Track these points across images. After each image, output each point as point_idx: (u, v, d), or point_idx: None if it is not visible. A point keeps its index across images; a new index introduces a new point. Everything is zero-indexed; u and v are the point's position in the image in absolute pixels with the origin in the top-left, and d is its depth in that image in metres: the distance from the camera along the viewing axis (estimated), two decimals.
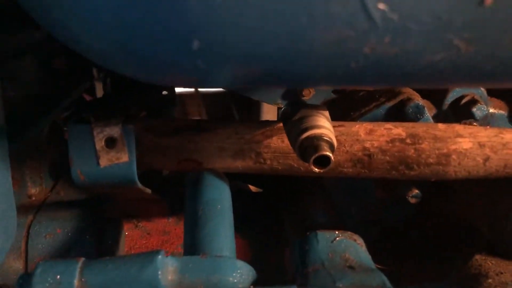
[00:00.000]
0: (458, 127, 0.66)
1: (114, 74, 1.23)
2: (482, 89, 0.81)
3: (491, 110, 0.82)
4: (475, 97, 0.79)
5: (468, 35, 0.31)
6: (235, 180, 1.17)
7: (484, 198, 0.70)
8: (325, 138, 0.60)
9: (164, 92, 1.20)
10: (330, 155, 0.58)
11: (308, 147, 0.59)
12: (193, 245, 0.57)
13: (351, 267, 0.52)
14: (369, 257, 0.56)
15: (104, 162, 0.54)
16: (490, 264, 0.77)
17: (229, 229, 0.59)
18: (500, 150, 0.63)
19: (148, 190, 0.67)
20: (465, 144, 0.64)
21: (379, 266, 0.66)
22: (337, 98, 0.88)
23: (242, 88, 0.72)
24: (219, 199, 0.62)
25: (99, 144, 0.53)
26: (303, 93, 0.73)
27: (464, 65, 0.34)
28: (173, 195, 0.90)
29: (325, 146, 0.59)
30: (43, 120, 0.73)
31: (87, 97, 1.23)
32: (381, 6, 0.28)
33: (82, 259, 0.47)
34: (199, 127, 0.76)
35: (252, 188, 1.20)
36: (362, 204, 0.82)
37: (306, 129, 0.61)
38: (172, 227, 0.89)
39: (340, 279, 0.48)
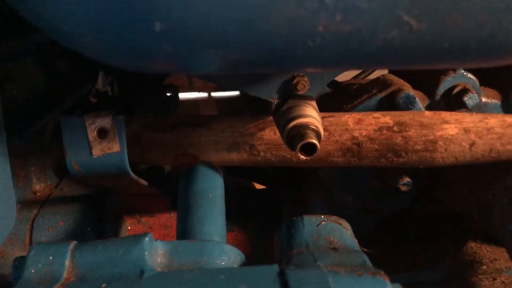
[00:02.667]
0: (444, 114, 0.67)
1: (120, 78, 1.26)
2: (474, 78, 0.82)
3: (484, 100, 0.83)
4: (467, 86, 0.80)
5: (416, 12, 0.33)
6: (240, 177, 1.20)
7: (472, 185, 0.71)
8: (311, 126, 0.62)
9: (168, 94, 1.23)
10: (316, 142, 0.59)
11: (295, 136, 0.61)
12: (184, 231, 0.59)
13: (334, 249, 0.53)
14: (354, 240, 0.57)
15: (96, 152, 0.57)
16: (485, 251, 0.78)
17: (220, 216, 0.61)
18: (485, 135, 0.64)
19: (143, 182, 0.69)
20: (451, 130, 0.65)
21: (365, 250, 0.67)
22: (332, 92, 0.90)
23: (236, 84, 0.74)
24: (211, 188, 0.64)
25: (92, 134, 0.56)
26: (298, 87, 0.75)
27: (419, 42, 0.36)
28: (174, 190, 0.93)
29: (311, 134, 0.61)
30: (45, 118, 0.76)
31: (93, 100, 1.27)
32: None
33: (74, 242, 0.49)
34: (195, 122, 0.78)
35: (256, 185, 1.22)
36: (358, 194, 0.84)
37: (293, 119, 0.63)
38: (174, 222, 0.91)
39: (321, 259, 0.50)
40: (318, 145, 0.59)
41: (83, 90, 0.94)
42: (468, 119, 0.66)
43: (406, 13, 0.33)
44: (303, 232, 0.56)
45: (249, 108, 2.02)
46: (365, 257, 0.51)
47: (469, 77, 0.81)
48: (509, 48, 0.39)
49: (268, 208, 0.98)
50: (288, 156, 0.74)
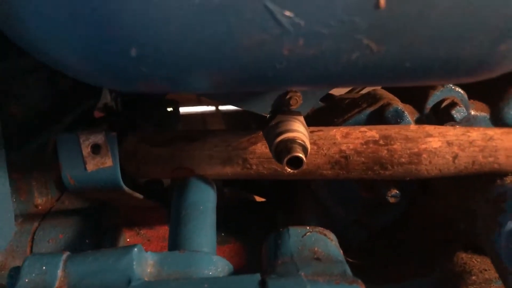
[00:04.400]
0: (429, 128, 0.69)
1: (124, 95, 1.31)
2: (463, 92, 0.84)
3: (473, 113, 0.85)
4: (455, 100, 0.82)
5: (374, 36, 0.35)
6: (240, 190, 1.22)
7: (459, 197, 0.73)
8: (298, 141, 0.64)
9: (169, 109, 1.26)
10: (302, 156, 0.62)
11: (283, 150, 0.64)
12: (175, 243, 0.61)
13: (317, 259, 0.55)
14: (339, 250, 0.59)
15: (90, 167, 0.60)
16: (475, 262, 0.79)
17: (210, 228, 0.64)
18: (467, 148, 0.66)
19: (139, 195, 0.72)
20: (435, 143, 0.67)
21: (350, 260, 0.69)
22: (324, 107, 0.92)
23: (232, 99, 0.77)
24: (202, 201, 0.67)
25: (86, 150, 0.59)
26: (291, 102, 0.77)
27: (381, 63, 0.38)
28: None
29: (297, 148, 0.63)
30: (45, 135, 0.79)
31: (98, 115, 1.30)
32: (287, 13, 0.32)
33: (67, 253, 0.52)
34: (190, 137, 0.81)
35: (256, 198, 1.24)
36: (349, 207, 0.86)
37: (281, 133, 0.65)
38: None
39: (303, 269, 0.52)
40: (305, 159, 0.62)
41: (83, 107, 0.98)
42: (451, 133, 0.67)
43: (365, 37, 0.35)
44: (289, 243, 0.58)
45: (255, 122, 2.05)
46: (346, 267, 0.53)
47: (458, 91, 0.83)
48: (471, 66, 0.41)
49: (264, 220, 1.00)
50: (279, 169, 0.76)
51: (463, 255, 0.80)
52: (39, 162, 0.85)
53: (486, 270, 0.77)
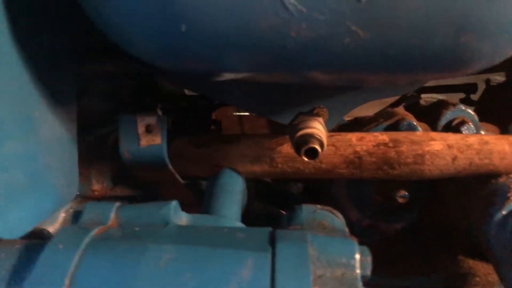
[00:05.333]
0: (432, 134, 0.79)
1: (175, 115, 1.47)
2: (473, 113, 0.93)
3: (483, 133, 0.93)
4: (465, 119, 0.91)
5: (359, 23, 0.47)
6: (269, 204, 1.33)
7: (458, 197, 0.81)
8: (315, 135, 0.75)
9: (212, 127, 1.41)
10: (317, 147, 0.73)
11: (302, 142, 0.75)
12: (206, 213, 0.73)
13: (323, 228, 0.65)
14: (345, 226, 0.68)
15: (143, 142, 0.73)
16: (481, 267, 0.85)
17: (236, 203, 0.75)
18: (465, 150, 0.75)
19: (180, 179, 0.85)
20: (437, 146, 0.76)
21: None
22: (348, 123, 1.03)
23: (263, 110, 0.89)
24: (231, 184, 0.78)
25: (141, 129, 0.73)
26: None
27: (368, 49, 0.49)
28: None
29: (315, 141, 0.74)
30: (107, 129, 0.94)
31: None
32: (293, 1, 0.45)
33: (119, 203, 0.64)
34: (227, 139, 0.94)
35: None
36: (365, 211, 0.95)
37: (301, 129, 0.77)
38: None
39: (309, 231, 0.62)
40: (320, 151, 0.73)
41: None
42: (452, 137, 0.77)
43: (352, 24, 0.47)
44: (300, 216, 0.68)
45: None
46: (347, 233, 0.63)
47: (468, 112, 0.93)
48: (444, 58, 0.52)
49: None
50: (301, 167, 0.87)
51: (470, 261, 0.87)
52: (99, 153, 0.99)
53: (490, 273, 0.83)
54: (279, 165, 0.89)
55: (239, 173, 0.86)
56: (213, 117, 1.49)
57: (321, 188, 1.03)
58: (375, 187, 0.91)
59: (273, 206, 1.33)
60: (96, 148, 0.98)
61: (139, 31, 0.51)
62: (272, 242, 0.54)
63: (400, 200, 0.83)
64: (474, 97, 1.24)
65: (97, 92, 0.97)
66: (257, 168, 0.91)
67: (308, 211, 0.70)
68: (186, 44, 0.49)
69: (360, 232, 0.96)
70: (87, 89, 0.92)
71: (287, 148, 0.88)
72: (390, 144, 0.79)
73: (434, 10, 0.46)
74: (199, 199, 1.01)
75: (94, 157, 0.99)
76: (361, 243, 0.96)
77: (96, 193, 1.00)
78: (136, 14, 0.49)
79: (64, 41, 0.73)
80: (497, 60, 0.55)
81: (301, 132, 0.76)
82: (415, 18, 0.47)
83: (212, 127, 1.39)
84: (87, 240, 0.54)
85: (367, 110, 1.14)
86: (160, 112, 0.72)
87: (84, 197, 0.96)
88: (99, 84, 0.97)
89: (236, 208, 0.75)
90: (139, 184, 1.01)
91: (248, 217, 1.10)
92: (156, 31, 0.50)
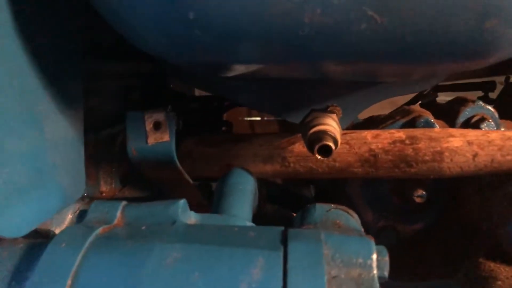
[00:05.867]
0: (451, 130, 0.75)
1: (184, 117, 1.45)
2: (493, 110, 0.90)
3: (503, 130, 0.90)
4: (484, 115, 0.88)
5: (376, 8, 0.44)
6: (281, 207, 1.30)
7: (480, 197, 0.77)
8: (329, 132, 0.73)
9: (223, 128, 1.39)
10: (331, 145, 0.70)
11: (315, 139, 0.72)
12: (215, 212, 0.70)
13: (337, 227, 0.62)
14: (360, 226, 0.66)
15: (151, 140, 0.71)
16: (503, 270, 0.82)
17: (247, 204, 0.72)
18: (486, 147, 0.72)
19: (189, 178, 0.82)
20: (456, 142, 0.73)
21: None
22: (362, 121, 1.00)
23: (277, 111, 0.87)
24: (242, 183, 0.76)
25: (149, 126, 0.70)
26: None
27: (386, 36, 0.47)
28: None
29: (328, 138, 0.71)
30: (115, 129, 0.92)
31: None
32: None
33: (126, 202, 0.62)
34: (238, 139, 0.92)
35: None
36: (382, 212, 0.91)
37: (314, 126, 0.74)
38: None
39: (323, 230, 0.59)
40: (334, 148, 0.70)
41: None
42: (472, 133, 0.73)
43: (369, 8, 0.45)
44: (314, 215, 0.66)
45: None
46: (363, 232, 0.60)
47: (488, 108, 0.89)
48: (465, 45, 0.49)
49: None
50: (314, 166, 0.85)
51: (491, 263, 0.83)
52: (108, 154, 0.98)
53: None
54: (291, 165, 0.86)
55: (250, 172, 0.83)
56: (224, 118, 1.47)
57: (335, 188, 1.00)
58: (391, 186, 0.88)
59: (285, 209, 1.31)
60: (105, 149, 0.96)
61: (146, 20, 0.49)
62: (284, 241, 0.51)
63: (418, 200, 0.80)
64: (493, 95, 1.21)
65: (106, 92, 0.95)
66: (268, 168, 0.88)
67: (322, 210, 0.67)
68: (195, 33, 0.47)
69: (376, 234, 0.93)
70: (95, 88, 0.91)
71: (299, 147, 0.86)
72: (407, 141, 0.76)
73: None
74: (208, 200, 0.99)
75: (102, 158, 0.97)
76: (378, 243, 0.93)
77: (104, 194, 0.98)
78: (143, 3, 0.47)
79: (71, 39, 0.71)
80: None
81: (314, 129, 0.73)
82: (435, 2, 0.44)
83: (224, 128, 1.37)
84: (91, 239, 0.51)
85: (378, 112, 1.12)
86: (169, 109, 0.70)
87: (92, 198, 0.95)
88: (108, 83, 0.95)
89: (247, 207, 0.72)
90: (148, 185, 0.99)
91: (260, 219, 1.07)
92: (163, 20, 0.47)
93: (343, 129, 0.89)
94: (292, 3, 0.44)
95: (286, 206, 1.28)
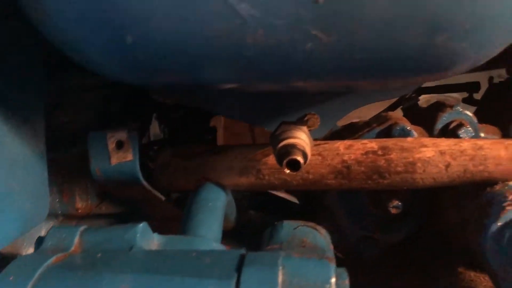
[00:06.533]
0: (424, 139, 0.73)
1: (170, 125, 1.44)
2: (471, 115, 0.87)
3: (483, 135, 0.87)
4: (462, 121, 0.86)
5: (320, 27, 0.42)
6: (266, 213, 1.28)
7: (456, 208, 0.75)
8: (298, 146, 0.71)
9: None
10: (299, 159, 0.68)
11: (284, 153, 0.71)
12: (183, 232, 0.69)
13: (303, 246, 0.61)
14: (328, 243, 0.64)
15: (114, 160, 0.69)
16: (483, 279, 0.80)
17: (216, 222, 0.70)
18: (458, 157, 0.70)
19: (159, 194, 0.81)
20: (428, 152, 0.71)
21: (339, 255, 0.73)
22: (341, 129, 0.98)
23: (255, 119, 0.85)
24: (212, 199, 0.74)
25: (111, 146, 0.69)
26: (309, 123, 0.85)
27: (334, 54, 0.45)
28: None
29: (297, 152, 0.70)
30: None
31: None
32: (243, 5, 0.41)
33: (85, 226, 0.61)
34: (215, 151, 0.90)
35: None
36: (360, 222, 0.89)
37: (283, 139, 0.72)
38: None
39: (286, 251, 0.57)
40: (302, 162, 0.68)
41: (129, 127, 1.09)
42: (444, 143, 0.71)
43: (312, 28, 0.43)
44: (281, 233, 0.64)
45: None
46: (328, 253, 0.58)
47: (466, 113, 0.87)
48: (417, 60, 0.47)
49: None
50: (288, 179, 0.83)
51: (471, 273, 0.82)
52: (83, 170, 0.96)
53: (492, 287, 0.78)
54: (266, 177, 0.84)
55: (223, 187, 0.81)
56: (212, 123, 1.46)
57: (316, 198, 0.99)
58: (368, 197, 0.86)
59: (270, 215, 1.29)
60: (79, 165, 0.95)
61: (88, 46, 0.47)
62: (240, 267, 0.49)
63: (393, 210, 0.78)
64: (478, 95, 1.18)
65: (81, 105, 0.94)
66: (244, 180, 0.86)
67: (289, 228, 0.65)
68: (136, 56, 0.45)
69: (356, 244, 0.91)
70: (68, 103, 0.89)
71: (273, 159, 0.84)
72: (379, 152, 0.74)
73: (402, 9, 0.41)
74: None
75: (77, 173, 0.96)
76: (357, 253, 0.91)
77: (80, 211, 0.96)
78: (82, 29, 0.45)
79: (30, 56, 0.69)
80: (481, 60, 0.50)
81: (283, 143, 0.72)
82: (381, 19, 0.42)
83: (210, 136, 1.36)
84: (41, 270, 0.50)
85: (368, 111, 1.10)
86: (131, 127, 0.68)
87: (67, 216, 0.93)
88: (83, 96, 0.93)
89: (216, 225, 0.70)
90: (126, 200, 0.98)
91: (243, 227, 1.06)
92: (103, 44, 0.46)
93: (323, 137, 0.87)
94: (230, 24, 0.42)
95: (272, 212, 1.27)
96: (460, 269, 0.78)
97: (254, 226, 1.16)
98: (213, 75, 0.50)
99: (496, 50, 0.49)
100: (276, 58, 0.46)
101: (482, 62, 0.51)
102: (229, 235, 1.07)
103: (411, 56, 0.46)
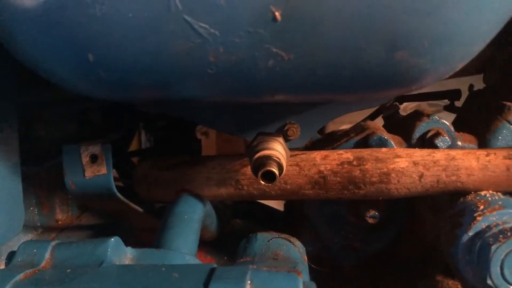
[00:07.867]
0: (398, 150, 0.74)
1: (156, 136, 1.45)
2: (448, 123, 0.88)
3: (460, 144, 0.88)
4: (440, 130, 0.86)
5: (280, 45, 0.43)
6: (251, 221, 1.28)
7: (431, 218, 0.76)
8: (273, 157, 0.71)
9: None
10: (274, 170, 0.68)
11: (259, 165, 0.71)
12: (157, 245, 0.69)
13: (275, 259, 0.61)
14: (301, 255, 0.64)
15: (88, 173, 0.69)
16: (461, 287, 0.80)
17: (192, 234, 0.71)
18: (431, 167, 0.70)
19: (136, 207, 0.81)
20: (402, 163, 0.72)
21: (314, 266, 0.74)
22: (321, 138, 0.99)
23: (235, 130, 0.85)
24: (188, 212, 0.74)
25: (85, 159, 0.69)
26: (288, 133, 0.85)
27: (296, 71, 0.45)
28: None
29: (272, 164, 0.70)
30: None
31: None
32: (203, 24, 0.41)
33: (57, 241, 0.61)
34: (193, 161, 0.90)
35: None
36: (340, 232, 0.90)
37: (259, 151, 0.73)
38: None
39: (257, 264, 0.57)
40: (278, 174, 0.68)
41: (109, 138, 1.10)
42: (418, 154, 0.72)
43: (272, 46, 0.43)
44: (254, 246, 0.64)
45: None
46: (300, 266, 0.58)
47: (443, 122, 0.87)
48: (379, 76, 0.47)
49: None
50: (267, 189, 0.83)
51: (449, 281, 0.82)
52: (63, 184, 0.96)
53: None
54: (245, 187, 0.85)
55: (201, 198, 0.82)
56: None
57: (297, 207, 0.99)
58: (347, 206, 0.86)
59: (255, 224, 1.29)
60: (60, 176, 0.95)
61: (53, 65, 0.47)
62: (207, 282, 0.50)
63: (370, 220, 0.79)
64: (459, 103, 1.19)
65: (58, 118, 0.94)
66: (223, 191, 0.87)
67: (263, 240, 0.66)
68: (100, 73, 0.46)
69: (336, 253, 0.91)
70: (44, 116, 0.89)
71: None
72: (355, 163, 0.75)
73: (359, 29, 0.42)
74: None
75: (57, 185, 0.96)
76: (337, 263, 0.91)
77: (60, 222, 0.96)
78: (48, 47, 0.46)
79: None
80: (444, 74, 0.50)
81: (258, 154, 0.72)
82: (340, 37, 0.43)
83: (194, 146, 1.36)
84: (8, 287, 0.50)
85: (357, 116, 1.10)
86: (104, 140, 0.68)
87: (46, 228, 0.93)
88: (59, 109, 0.93)
89: (192, 238, 0.70)
90: (106, 212, 0.98)
91: (229, 237, 1.06)
92: (67, 62, 0.46)
93: (302, 147, 0.87)
94: (191, 43, 0.43)
95: (257, 221, 1.27)
96: (438, 277, 0.78)
97: (239, 235, 1.16)
98: (183, 90, 0.50)
99: (458, 64, 0.49)
100: (240, 74, 0.47)
101: (446, 76, 0.51)
102: (213, 245, 1.08)
103: (372, 72, 0.46)
